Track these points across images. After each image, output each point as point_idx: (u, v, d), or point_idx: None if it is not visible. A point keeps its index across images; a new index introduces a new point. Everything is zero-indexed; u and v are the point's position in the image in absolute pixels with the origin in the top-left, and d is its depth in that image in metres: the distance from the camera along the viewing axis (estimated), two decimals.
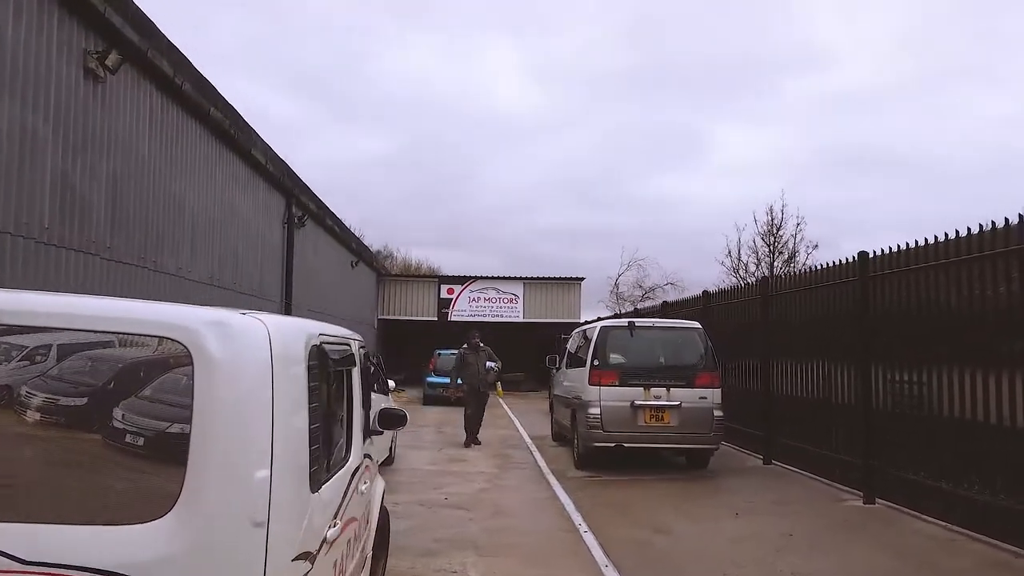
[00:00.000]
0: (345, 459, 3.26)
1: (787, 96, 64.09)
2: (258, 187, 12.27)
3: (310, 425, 2.52)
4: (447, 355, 22.04)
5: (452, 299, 29.51)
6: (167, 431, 2.03)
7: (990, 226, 6.39)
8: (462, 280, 30.35)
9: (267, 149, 12.45)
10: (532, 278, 30.01)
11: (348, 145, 66.44)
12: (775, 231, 35.12)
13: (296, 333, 2.50)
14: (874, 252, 8.25)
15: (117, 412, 2.02)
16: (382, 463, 9.86)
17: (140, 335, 2.08)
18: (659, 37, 73.63)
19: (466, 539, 6.58)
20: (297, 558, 2.28)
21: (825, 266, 9.41)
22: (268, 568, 2.08)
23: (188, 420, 2.01)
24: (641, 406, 9.79)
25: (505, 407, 21.13)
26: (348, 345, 3.41)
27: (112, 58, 6.70)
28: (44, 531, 1.90)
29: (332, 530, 2.74)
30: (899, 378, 7.80)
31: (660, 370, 10.06)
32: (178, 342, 2.04)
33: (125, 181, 7.45)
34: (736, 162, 63.30)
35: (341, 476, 3.08)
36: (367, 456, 4.10)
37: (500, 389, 13.47)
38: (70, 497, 1.97)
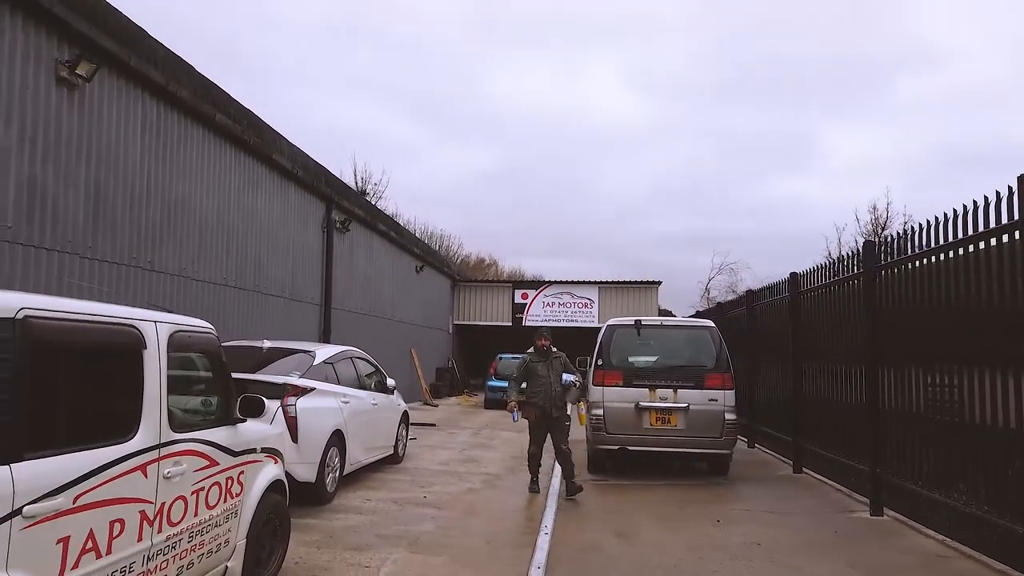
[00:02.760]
0: (117, 439, 3.23)
1: (902, 96, 60.43)
2: (288, 192, 12.67)
3: None
4: (508, 359, 22.04)
5: (526, 304, 29.44)
6: None
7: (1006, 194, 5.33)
8: (536, 285, 30.27)
9: (297, 155, 12.83)
10: (607, 282, 29.52)
11: (459, 161, 68.52)
12: (879, 231, 33.11)
13: None
14: (879, 240, 7.54)
15: None
16: (386, 460, 9.92)
17: None
18: (765, 42, 71.27)
19: (409, 537, 6.46)
20: None
21: (839, 259, 8.69)
22: None
23: None
24: (646, 408, 9.36)
25: (569, 411, 20.76)
26: (130, 328, 3.39)
27: (84, 67, 7.08)
28: None
29: (41, 504, 2.71)
30: (905, 378, 7.05)
31: (667, 371, 9.57)
32: None
33: (111, 185, 7.84)
34: (850, 165, 60.24)
35: (94, 455, 3.05)
36: (213, 446, 4.08)
37: (582, 414, 9.57)
38: None
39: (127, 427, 3.34)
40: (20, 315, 2.71)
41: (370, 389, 9.37)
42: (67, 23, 6.90)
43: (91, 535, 3.02)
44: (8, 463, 2.60)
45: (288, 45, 65.95)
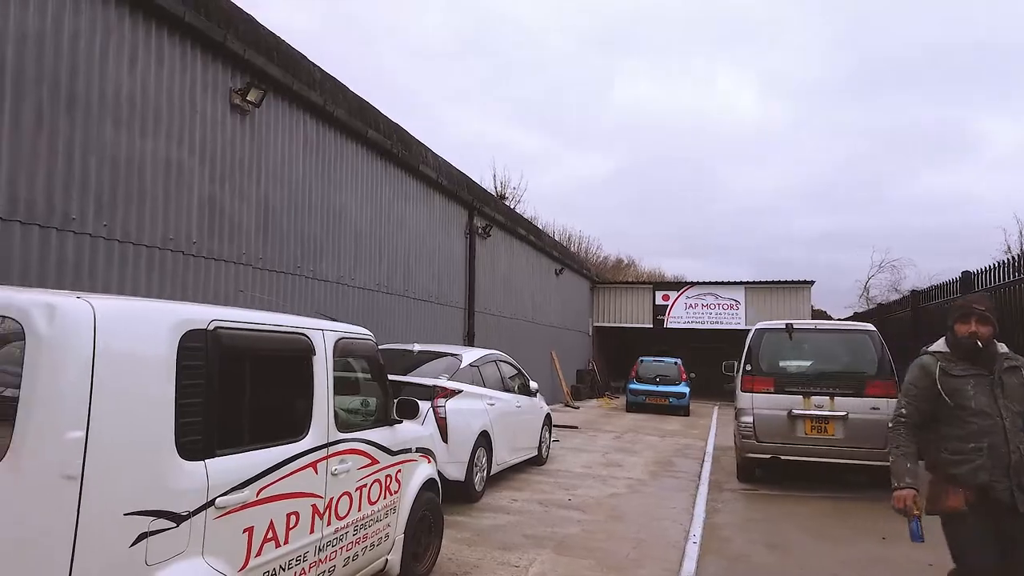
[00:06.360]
0: (291, 438, 3.52)
1: None
2: (433, 201, 13.17)
3: (184, 401, 2.82)
4: (649, 361, 21.76)
5: (668, 305, 28.87)
6: (2, 394, 2.43)
7: None
8: (678, 286, 29.61)
9: (441, 165, 13.33)
10: (754, 282, 28.37)
11: (595, 166, 69.02)
12: None
13: (152, 317, 2.80)
14: None
15: None
16: (530, 461, 10.08)
17: None
18: (897, 33, 66.33)
19: (555, 539, 6.54)
20: (138, 513, 2.57)
21: (1020, 256, 7.91)
22: (81, 515, 2.39)
23: (18, 386, 2.40)
24: (800, 416, 8.94)
25: (713, 416, 20.28)
26: (300, 336, 3.68)
27: (253, 93, 7.73)
28: None
29: (230, 496, 3.00)
30: None
31: (823, 377, 9.08)
32: (16, 321, 2.45)
33: (277, 200, 8.51)
34: (1014, 154, 54.71)
35: (272, 452, 3.33)
36: (374, 445, 4.33)
37: None
38: None
39: (300, 427, 3.62)
40: (211, 326, 3.02)
41: (514, 391, 9.56)
42: (239, 55, 7.57)
43: (271, 525, 3.31)
44: (203, 459, 2.90)
45: (426, 69, 68.99)
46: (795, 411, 8.93)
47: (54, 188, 5.77)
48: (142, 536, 2.59)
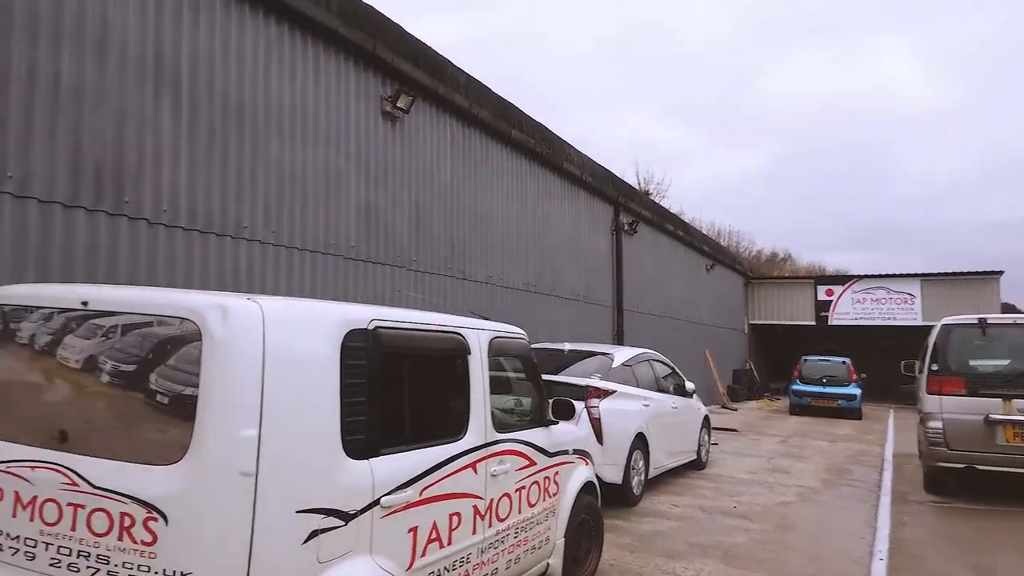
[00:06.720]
0: (450, 438, 3.45)
1: None
2: (577, 198, 13.01)
3: (348, 399, 2.80)
4: (813, 361, 20.41)
5: (832, 301, 27.01)
6: (183, 393, 2.49)
7: None
8: (843, 280, 27.67)
9: (585, 162, 13.14)
10: (932, 274, 25.89)
11: (742, 160, 66.51)
12: None
13: (316, 316, 2.81)
14: None
15: (152, 376, 2.56)
16: (688, 465, 9.66)
17: (168, 316, 2.59)
18: None
19: (722, 548, 6.16)
20: (309, 511, 2.57)
21: None
22: (257, 512, 2.41)
23: (197, 385, 2.46)
24: (1000, 421, 7.95)
25: (889, 420, 18.75)
26: (456, 335, 3.61)
27: (403, 100, 7.91)
28: (103, 464, 2.51)
29: (395, 496, 2.96)
30: None
31: None
32: (192, 322, 2.51)
33: (427, 203, 8.67)
34: None
35: (433, 452, 3.28)
36: (531, 446, 4.21)
37: None
38: (121, 441, 2.58)
39: (458, 427, 3.56)
40: (371, 325, 3.00)
41: (668, 392, 9.19)
42: (387, 63, 7.77)
43: (435, 526, 3.25)
44: (368, 458, 2.88)
45: (569, 71, 69.18)
46: (993, 416, 7.96)
47: (228, 198, 6.14)
48: (313, 534, 2.59)
